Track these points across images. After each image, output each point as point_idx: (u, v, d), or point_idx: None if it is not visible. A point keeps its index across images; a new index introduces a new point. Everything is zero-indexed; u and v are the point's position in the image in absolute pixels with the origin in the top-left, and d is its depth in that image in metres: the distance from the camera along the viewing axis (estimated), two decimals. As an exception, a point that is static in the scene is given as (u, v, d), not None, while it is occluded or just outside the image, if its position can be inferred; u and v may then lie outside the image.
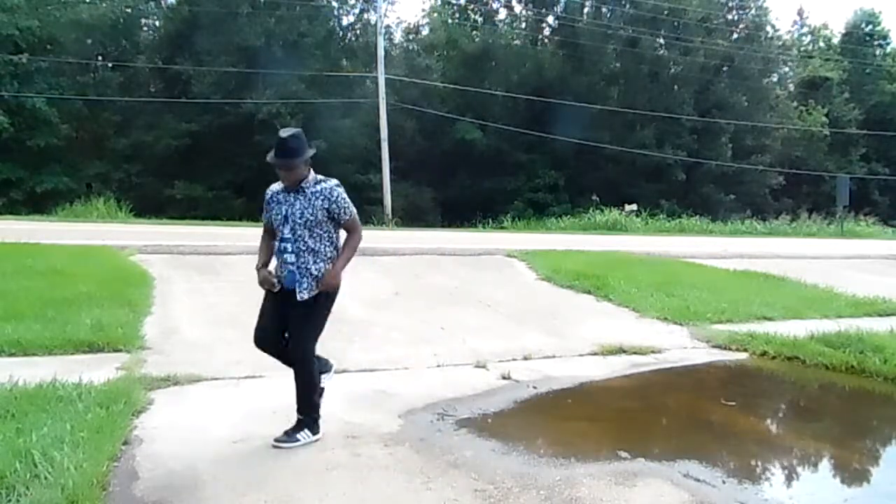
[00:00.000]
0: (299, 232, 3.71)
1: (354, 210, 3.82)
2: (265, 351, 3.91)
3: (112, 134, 26.15)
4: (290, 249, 3.72)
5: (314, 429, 3.84)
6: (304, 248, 3.71)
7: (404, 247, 11.31)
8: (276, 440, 3.74)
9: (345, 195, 3.78)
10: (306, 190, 3.73)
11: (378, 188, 24.34)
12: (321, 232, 3.74)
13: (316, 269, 3.72)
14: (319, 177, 3.81)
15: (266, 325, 3.86)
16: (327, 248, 3.76)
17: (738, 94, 31.92)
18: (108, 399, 4.03)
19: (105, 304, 6.36)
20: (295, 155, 3.65)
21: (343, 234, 3.89)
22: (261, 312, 3.90)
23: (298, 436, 3.77)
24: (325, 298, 3.77)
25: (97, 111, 26.13)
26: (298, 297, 3.70)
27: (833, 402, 5.78)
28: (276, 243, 3.81)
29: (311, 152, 3.75)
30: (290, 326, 3.78)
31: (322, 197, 3.71)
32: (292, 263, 3.72)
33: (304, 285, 3.71)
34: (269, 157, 3.68)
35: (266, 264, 3.90)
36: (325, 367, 4.03)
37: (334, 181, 3.80)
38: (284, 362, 3.93)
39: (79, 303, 6.37)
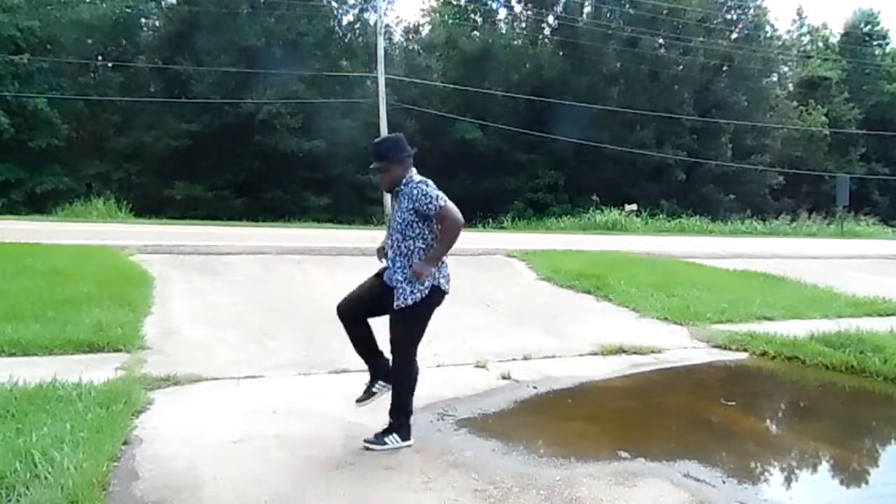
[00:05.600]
0: (395, 236, 3.76)
1: (443, 202, 3.65)
2: (342, 319, 3.88)
3: (112, 134, 26.19)
4: (389, 255, 3.80)
5: (405, 434, 3.82)
6: (398, 254, 3.74)
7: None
8: (366, 442, 3.77)
9: (426, 189, 3.68)
10: (400, 193, 3.78)
11: (378, 188, 24.32)
12: (413, 235, 3.71)
13: (403, 276, 3.70)
14: (414, 178, 3.78)
15: (355, 295, 3.89)
16: (421, 253, 3.71)
17: (737, 93, 31.94)
18: (108, 399, 4.03)
19: (105, 304, 6.35)
20: (382, 157, 3.77)
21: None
22: (360, 284, 3.94)
23: (387, 439, 3.78)
24: (425, 306, 3.73)
25: (97, 111, 26.16)
26: (395, 306, 3.71)
27: (833, 402, 5.77)
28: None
29: (405, 154, 3.79)
30: (390, 330, 3.80)
31: (406, 197, 3.72)
32: (391, 269, 3.78)
33: (400, 291, 3.70)
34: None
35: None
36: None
37: (417, 178, 3.77)
38: (353, 339, 3.93)
39: (79, 303, 6.36)
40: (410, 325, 3.75)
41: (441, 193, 3.69)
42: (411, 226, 3.70)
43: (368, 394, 3.95)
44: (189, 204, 23.83)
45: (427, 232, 3.72)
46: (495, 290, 8.75)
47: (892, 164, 36.93)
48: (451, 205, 3.69)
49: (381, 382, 3.94)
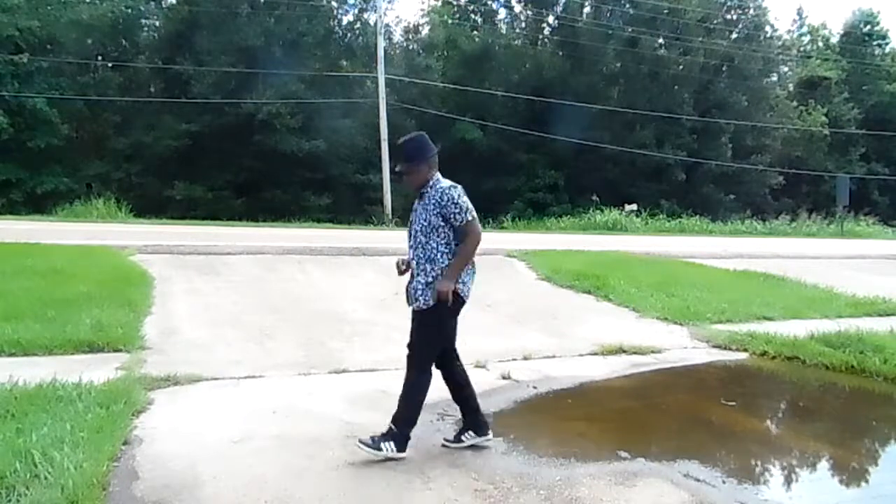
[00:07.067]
0: (419, 238, 3.71)
1: (471, 217, 3.65)
2: (442, 372, 3.88)
3: (112, 134, 26.18)
4: (412, 256, 3.76)
5: (401, 445, 3.63)
6: (422, 256, 3.69)
7: (404, 247, 11.27)
8: (361, 440, 3.63)
9: (458, 197, 3.64)
10: (425, 195, 3.72)
11: (378, 188, 24.34)
12: (438, 238, 3.66)
13: (432, 278, 3.65)
14: (441, 180, 3.74)
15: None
16: (445, 257, 3.66)
17: (737, 93, 31.97)
18: (108, 399, 4.03)
19: (105, 304, 6.35)
20: (410, 159, 3.71)
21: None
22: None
23: (382, 445, 3.61)
24: (442, 310, 3.66)
25: (97, 111, 26.15)
26: (414, 307, 3.70)
27: (833, 402, 5.77)
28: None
29: (431, 153, 3.73)
30: (410, 335, 3.76)
31: (434, 201, 3.65)
32: (415, 271, 3.74)
33: (419, 293, 3.67)
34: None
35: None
36: (481, 429, 3.89)
37: (448, 183, 3.71)
38: (449, 388, 3.91)
39: (79, 303, 6.36)
40: (429, 329, 3.70)
41: (470, 206, 3.67)
42: (437, 230, 3.66)
43: (457, 440, 3.87)
44: (189, 204, 23.84)
45: (452, 235, 3.69)
46: (495, 290, 8.73)
47: (892, 164, 36.96)
48: (476, 222, 3.69)
49: (471, 432, 3.86)
